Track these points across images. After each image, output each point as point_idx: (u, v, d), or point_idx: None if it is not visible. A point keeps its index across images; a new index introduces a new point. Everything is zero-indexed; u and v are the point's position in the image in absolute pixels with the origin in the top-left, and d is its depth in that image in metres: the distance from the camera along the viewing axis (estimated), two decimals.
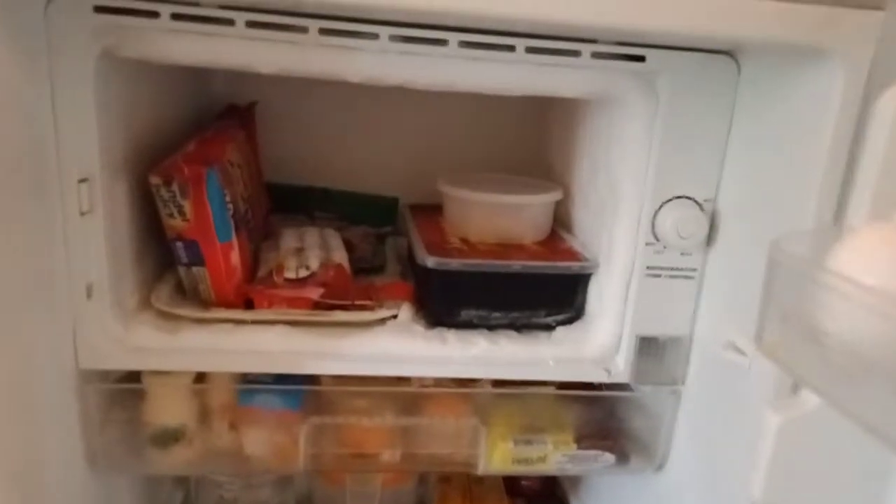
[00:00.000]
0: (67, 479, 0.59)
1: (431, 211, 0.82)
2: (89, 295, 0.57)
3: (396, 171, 0.95)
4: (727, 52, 0.59)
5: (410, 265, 0.79)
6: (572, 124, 0.77)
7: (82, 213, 0.55)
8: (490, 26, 0.55)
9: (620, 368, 0.64)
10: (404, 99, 0.92)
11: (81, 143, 0.55)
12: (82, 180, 0.55)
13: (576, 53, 0.57)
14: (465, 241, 0.73)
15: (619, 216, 0.62)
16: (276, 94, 0.91)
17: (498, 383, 0.67)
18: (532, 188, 0.76)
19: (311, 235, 0.75)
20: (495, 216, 0.73)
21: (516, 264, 0.66)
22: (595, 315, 0.66)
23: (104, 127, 0.56)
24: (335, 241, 0.75)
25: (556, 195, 0.74)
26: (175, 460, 0.63)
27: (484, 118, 0.94)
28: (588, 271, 0.67)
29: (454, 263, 0.65)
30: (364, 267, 0.78)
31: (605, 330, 0.64)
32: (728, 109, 0.60)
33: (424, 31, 0.55)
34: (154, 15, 0.53)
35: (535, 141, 0.93)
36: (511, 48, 0.56)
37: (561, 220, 0.77)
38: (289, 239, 0.73)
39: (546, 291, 0.67)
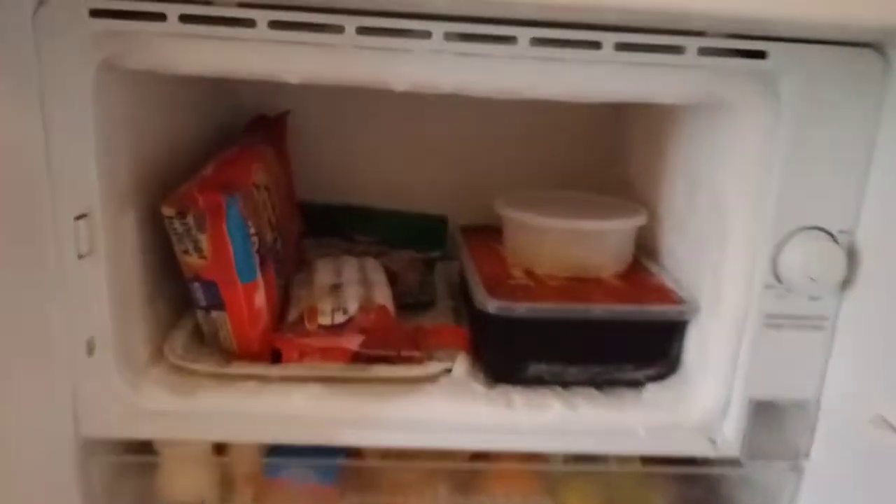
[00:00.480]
0: None
1: (487, 234, 0.71)
2: (91, 351, 0.48)
3: (445, 187, 0.84)
4: (871, 45, 0.46)
5: (465, 302, 0.68)
6: (662, 133, 0.64)
7: (80, 256, 0.46)
8: (571, 19, 0.43)
9: (728, 439, 0.52)
10: (454, 105, 0.81)
11: (78, 172, 0.46)
12: (80, 217, 0.46)
13: (678, 50, 0.45)
14: (530, 274, 0.61)
15: (729, 250, 0.50)
16: (310, 102, 0.81)
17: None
18: (611, 210, 0.64)
19: (350, 268, 0.65)
20: (569, 245, 0.61)
21: (598, 308, 0.54)
22: (696, 371, 0.54)
23: (106, 151, 0.47)
24: (377, 274, 0.65)
25: (640, 219, 0.62)
26: None
27: (545, 126, 0.82)
28: (687, 317, 0.54)
29: (521, 309, 0.54)
30: (410, 302, 0.67)
31: (709, 391, 0.52)
32: (872, 117, 0.47)
33: (488, 27, 0.44)
34: (160, 17, 0.44)
35: (606, 151, 0.81)
36: (596, 45, 0.45)
37: (644, 246, 0.65)
38: (324, 273, 0.63)
39: (634, 341, 0.55)
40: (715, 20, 0.43)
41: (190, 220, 0.51)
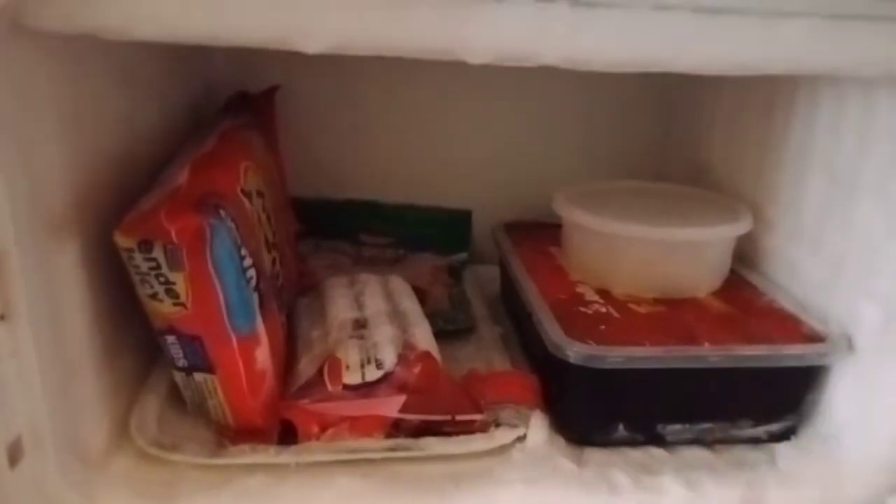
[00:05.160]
0: None
1: (535, 235, 0.57)
2: (15, 458, 0.33)
3: (467, 176, 0.69)
4: None
5: (519, 331, 0.54)
6: (773, 110, 0.50)
7: None
8: None
9: None
10: (477, 74, 0.66)
11: None
12: None
13: None
14: (605, 295, 0.48)
15: None
16: (301, 75, 0.64)
17: None
18: (705, 211, 0.50)
19: (373, 294, 0.49)
20: (659, 260, 0.47)
21: (717, 355, 0.40)
22: (851, 429, 0.41)
23: (20, 157, 0.31)
24: (408, 300, 0.50)
25: (745, 223, 0.48)
26: None
27: (588, 102, 0.68)
28: (835, 360, 0.41)
29: (615, 358, 0.40)
30: (444, 329, 0.52)
31: (873, 455, 0.39)
32: None
33: None
34: None
35: (665, 132, 0.67)
36: None
37: (736, 250, 0.52)
38: (340, 303, 0.48)
39: (758, 390, 0.42)
40: None
41: (158, 253, 0.36)
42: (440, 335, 0.49)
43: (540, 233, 0.58)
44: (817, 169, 0.44)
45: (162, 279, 0.36)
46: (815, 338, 0.42)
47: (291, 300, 0.51)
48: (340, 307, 0.47)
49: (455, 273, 0.64)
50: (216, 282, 0.36)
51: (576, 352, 0.39)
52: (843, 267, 0.42)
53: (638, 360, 0.40)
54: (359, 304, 0.48)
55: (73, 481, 0.35)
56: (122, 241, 0.36)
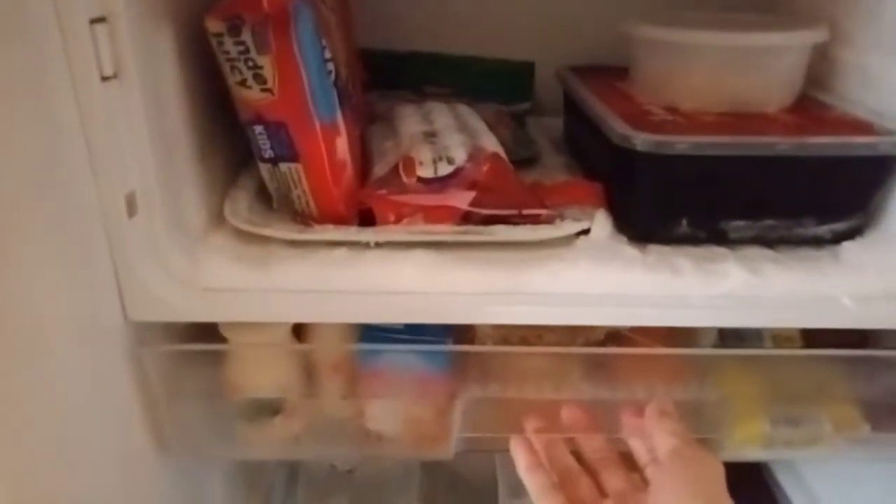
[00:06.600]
0: (131, 472, 0.41)
1: (603, 74, 0.57)
2: (132, 210, 0.36)
3: (530, 27, 0.69)
4: None
5: (583, 155, 0.55)
6: None
7: (104, 78, 0.33)
8: None
9: None
10: None
11: None
12: (97, 20, 0.33)
13: None
14: (672, 111, 0.48)
15: None
16: None
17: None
18: (778, 26, 0.49)
19: (441, 113, 0.51)
20: (726, 70, 0.47)
21: (786, 143, 0.41)
22: None
23: None
24: (474, 120, 0.51)
25: (820, 32, 0.47)
26: (272, 441, 0.44)
27: None
28: None
29: (682, 145, 0.41)
30: (510, 160, 0.54)
31: None
32: None
33: None
34: None
35: None
36: None
37: (812, 79, 0.51)
38: (410, 120, 0.50)
39: (824, 186, 0.42)
40: None
41: (246, 36, 0.38)
42: None
43: (605, 72, 0.57)
44: None
45: (250, 63, 0.39)
46: (887, 132, 0.41)
47: (364, 127, 0.54)
48: (410, 123, 0.49)
49: (518, 119, 0.65)
50: (301, 65, 0.39)
51: (643, 139, 0.40)
52: None
53: (705, 147, 0.41)
54: (428, 120, 0.50)
55: (178, 245, 0.39)
56: (213, 25, 0.38)
